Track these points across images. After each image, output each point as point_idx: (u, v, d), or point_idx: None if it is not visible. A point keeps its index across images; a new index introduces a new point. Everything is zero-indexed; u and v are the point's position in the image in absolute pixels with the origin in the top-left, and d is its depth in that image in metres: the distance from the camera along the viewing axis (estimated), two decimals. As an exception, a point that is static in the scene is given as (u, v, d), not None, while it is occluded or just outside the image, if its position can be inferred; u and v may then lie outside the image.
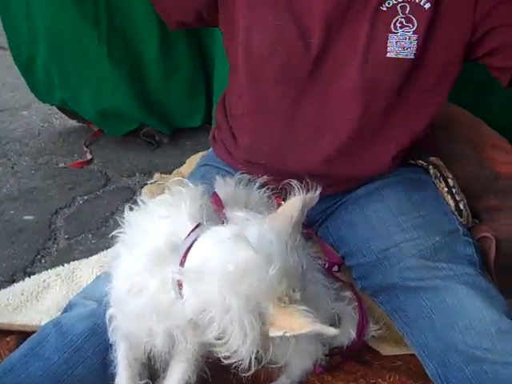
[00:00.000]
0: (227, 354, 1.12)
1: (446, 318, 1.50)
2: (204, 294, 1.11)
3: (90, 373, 1.47)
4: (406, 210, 1.73)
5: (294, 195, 1.24)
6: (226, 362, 1.14)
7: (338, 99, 1.68)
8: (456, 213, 1.78)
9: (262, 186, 1.49)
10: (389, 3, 1.59)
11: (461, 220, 1.77)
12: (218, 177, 1.49)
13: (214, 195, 1.39)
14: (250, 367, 1.12)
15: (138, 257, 1.22)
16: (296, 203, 1.22)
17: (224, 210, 1.32)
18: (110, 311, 1.36)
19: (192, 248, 1.16)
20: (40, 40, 3.13)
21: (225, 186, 1.45)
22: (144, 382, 1.42)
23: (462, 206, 1.79)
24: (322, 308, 1.54)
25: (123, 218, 1.31)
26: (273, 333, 1.09)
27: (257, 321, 1.08)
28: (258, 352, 1.12)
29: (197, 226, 1.20)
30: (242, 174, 1.51)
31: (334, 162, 1.74)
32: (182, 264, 1.16)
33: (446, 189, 1.82)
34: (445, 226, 1.71)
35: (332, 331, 1.09)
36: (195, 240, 1.17)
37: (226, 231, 1.16)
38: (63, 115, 3.60)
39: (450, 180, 1.83)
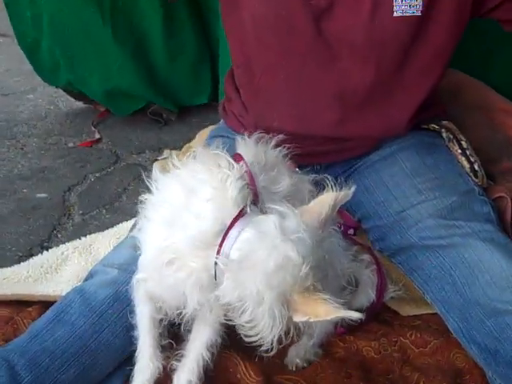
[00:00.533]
0: (252, 335, 1.16)
1: (467, 274, 1.52)
2: (242, 286, 1.13)
3: (114, 336, 1.48)
4: (421, 172, 1.74)
5: (327, 190, 1.23)
6: (248, 340, 1.17)
7: (345, 61, 1.69)
8: (471, 174, 1.78)
9: (277, 146, 1.49)
10: None
11: (476, 181, 1.78)
12: (239, 137, 1.49)
13: (238, 155, 1.39)
14: (272, 349, 1.16)
15: (182, 236, 1.21)
16: (328, 200, 1.21)
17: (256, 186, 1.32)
18: (138, 276, 1.38)
19: (238, 238, 1.17)
20: (44, 23, 3.13)
21: (245, 146, 1.45)
22: (166, 341, 1.44)
23: (476, 167, 1.80)
24: (340, 269, 1.56)
25: (142, 191, 1.32)
26: (297, 318, 1.12)
27: (286, 311, 1.12)
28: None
29: (241, 211, 1.21)
30: (259, 132, 1.50)
31: (346, 123, 1.74)
32: (219, 252, 1.18)
33: (459, 151, 1.83)
34: (460, 187, 1.72)
35: (355, 315, 1.12)
36: (241, 230, 1.18)
37: (270, 225, 1.16)
38: (69, 98, 3.60)
39: (463, 142, 1.84)
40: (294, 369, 1.57)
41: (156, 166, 1.35)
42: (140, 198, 1.33)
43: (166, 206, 1.26)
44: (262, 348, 1.16)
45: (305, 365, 1.58)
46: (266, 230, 1.15)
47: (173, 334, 1.45)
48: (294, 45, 1.70)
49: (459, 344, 1.57)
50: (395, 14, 1.60)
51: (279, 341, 1.15)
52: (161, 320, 1.41)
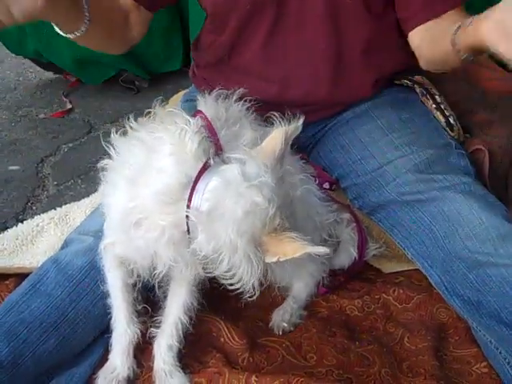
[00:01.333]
0: (233, 283, 1.16)
1: (446, 228, 1.50)
2: (215, 237, 1.13)
3: (93, 305, 1.46)
4: (397, 127, 1.72)
5: (276, 127, 1.22)
6: (230, 288, 1.17)
7: (308, 29, 1.65)
8: (447, 128, 1.77)
9: (240, 99, 1.49)
10: None
11: (452, 134, 1.76)
12: (199, 96, 1.47)
13: (199, 112, 1.37)
14: (253, 292, 1.16)
15: (147, 194, 1.19)
16: (279, 136, 1.20)
17: (218, 138, 1.32)
18: (105, 241, 1.36)
19: (205, 189, 1.16)
20: (8, -10, 3.05)
21: (205, 103, 1.43)
22: (141, 306, 1.43)
23: (452, 121, 1.78)
24: (319, 221, 1.56)
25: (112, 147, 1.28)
26: (268, 259, 1.13)
27: (260, 254, 1.13)
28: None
29: (205, 164, 1.19)
30: (219, 89, 1.48)
31: (313, 93, 1.72)
32: (189, 205, 1.16)
33: (434, 105, 1.80)
34: (437, 141, 1.70)
35: (322, 250, 1.12)
36: (208, 182, 1.17)
37: (234, 173, 1.15)
38: (38, 68, 3.54)
39: (437, 97, 1.82)
40: (280, 333, 1.56)
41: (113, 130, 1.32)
42: (100, 163, 1.30)
43: (126, 167, 1.24)
44: (246, 294, 1.16)
45: (292, 328, 1.57)
46: (231, 179, 1.15)
47: (148, 300, 1.45)
48: (260, 17, 1.65)
49: (442, 299, 1.57)
50: None
51: (260, 284, 1.17)
52: (134, 285, 1.40)
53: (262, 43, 1.67)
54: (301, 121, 1.21)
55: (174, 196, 1.18)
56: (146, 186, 1.20)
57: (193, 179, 1.18)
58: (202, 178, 1.17)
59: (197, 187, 1.17)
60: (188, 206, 1.16)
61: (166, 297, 1.43)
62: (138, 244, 1.25)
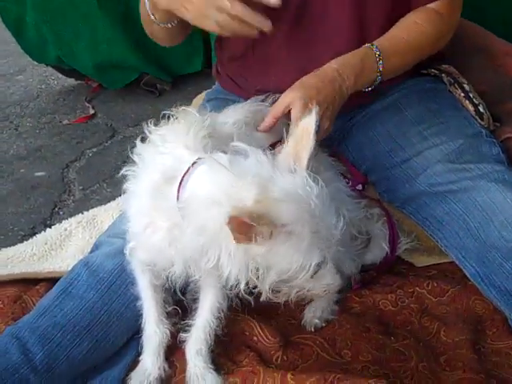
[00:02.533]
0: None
1: (480, 217, 1.47)
2: (195, 224, 1.13)
3: (125, 307, 1.45)
4: (426, 118, 1.70)
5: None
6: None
7: (332, 18, 1.63)
8: (476, 117, 1.74)
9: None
10: None
11: (482, 123, 1.73)
12: None
13: None
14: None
15: (142, 194, 1.24)
16: (304, 137, 1.19)
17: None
18: (129, 245, 1.37)
19: (187, 183, 1.18)
20: (27, -4, 3.07)
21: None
22: (171, 308, 1.43)
23: (481, 109, 1.75)
24: (348, 218, 1.53)
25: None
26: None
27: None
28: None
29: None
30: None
31: None
32: (178, 198, 1.18)
33: (462, 94, 1.78)
34: (467, 130, 1.67)
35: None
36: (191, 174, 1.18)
37: (224, 161, 1.15)
38: (60, 75, 3.57)
39: (465, 85, 1.80)
40: (312, 329, 1.54)
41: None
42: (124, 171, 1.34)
43: (136, 169, 1.30)
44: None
45: (323, 324, 1.55)
46: (215, 167, 1.14)
47: (179, 302, 1.45)
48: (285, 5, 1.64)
49: (477, 291, 1.54)
50: None
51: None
52: (163, 287, 1.40)
53: (287, 31, 1.65)
54: (316, 109, 1.19)
55: (160, 191, 1.21)
56: (141, 186, 1.26)
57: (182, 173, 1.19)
58: (189, 171, 1.18)
59: (184, 178, 1.18)
60: (178, 198, 1.17)
61: (195, 299, 1.42)
62: (151, 247, 1.28)
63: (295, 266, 1.13)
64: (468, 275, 1.52)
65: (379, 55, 1.54)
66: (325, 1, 1.62)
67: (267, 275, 1.14)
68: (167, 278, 1.35)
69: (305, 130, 1.18)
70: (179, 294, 1.42)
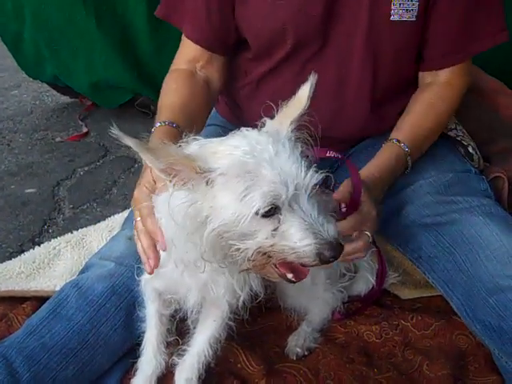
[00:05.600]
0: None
1: (467, 251, 1.49)
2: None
3: (113, 331, 1.45)
4: None
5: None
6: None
7: (346, 65, 1.64)
8: (466, 157, 1.77)
9: None
10: None
11: (472, 163, 1.76)
12: None
13: None
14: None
15: None
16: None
17: None
18: (146, 274, 1.36)
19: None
20: (26, 15, 3.09)
21: None
22: (173, 338, 1.43)
23: (471, 150, 1.78)
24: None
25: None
26: None
27: None
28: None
29: None
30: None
31: (336, 127, 1.70)
32: None
33: (453, 135, 1.80)
34: (457, 166, 1.70)
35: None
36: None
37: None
38: (54, 93, 3.58)
39: (454, 129, 1.82)
40: (294, 358, 1.55)
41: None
42: None
43: None
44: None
45: (305, 353, 1.56)
46: None
47: (180, 331, 1.45)
48: (297, 58, 1.65)
49: (461, 325, 1.56)
50: (392, 18, 1.55)
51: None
52: (170, 316, 1.42)
53: (297, 71, 1.65)
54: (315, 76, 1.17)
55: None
56: None
57: None
58: None
59: None
60: None
61: (195, 327, 1.42)
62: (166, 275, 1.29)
63: (235, 211, 1.03)
64: (454, 308, 1.53)
65: (408, 151, 1.57)
66: (341, 47, 1.62)
67: (211, 225, 1.06)
68: (178, 307, 1.37)
69: (300, 97, 1.17)
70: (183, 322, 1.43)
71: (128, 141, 1.02)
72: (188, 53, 1.71)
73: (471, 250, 1.49)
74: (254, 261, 1.09)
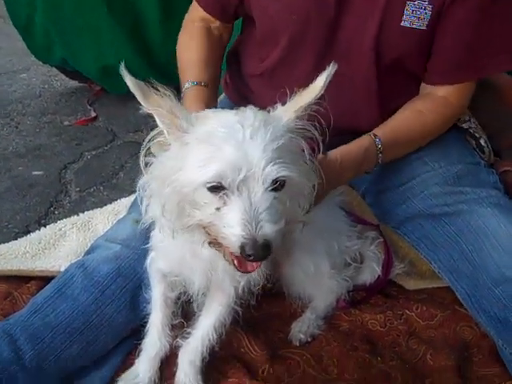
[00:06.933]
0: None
1: (473, 240, 1.50)
2: None
3: (117, 313, 1.45)
4: (426, 146, 1.70)
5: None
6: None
7: (353, 59, 1.61)
8: (477, 150, 1.76)
9: None
10: None
11: (483, 156, 1.75)
12: None
13: None
14: None
15: None
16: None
17: None
18: (151, 255, 1.38)
19: None
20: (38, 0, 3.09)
21: None
22: (178, 320, 1.44)
23: (483, 143, 1.77)
24: (344, 245, 1.56)
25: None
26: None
27: None
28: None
29: None
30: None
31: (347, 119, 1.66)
32: None
33: (465, 127, 1.79)
34: (467, 158, 1.70)
35: None
36: None
37: None
38: (63, 77, 3.57)
39: (468, 121, 1.81)
40: (297, 344, 1.55)
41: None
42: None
43: None
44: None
45: (309, 339, 1.56)
46: None
47: (185, 313, 1.46)
48: (304, 49, 1.63)
49: (465, 317, 1.56)
50: (402, 24, 1.52)
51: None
52: (176, 299, 1.43)
53: (313, 64, 1.60)
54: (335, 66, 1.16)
55: None
56: None
57: None
58: None
59: None
60: None
61: (201, 311, 1.42)
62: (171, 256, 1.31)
63: (189, 176, 1.06)
64: (459, 298, 1.54)
65: (380, 148, 1.53)
66: (349, 40, 1.59)
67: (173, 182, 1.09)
68: (184, 290, 1.38)
69: (315, 85, 1.16)
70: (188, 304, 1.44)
71: (128, 80, 1.11)
72: (201, 11, 1.75)
73: (477, 239, 1.49)
74: (209, 235, 1.10)
